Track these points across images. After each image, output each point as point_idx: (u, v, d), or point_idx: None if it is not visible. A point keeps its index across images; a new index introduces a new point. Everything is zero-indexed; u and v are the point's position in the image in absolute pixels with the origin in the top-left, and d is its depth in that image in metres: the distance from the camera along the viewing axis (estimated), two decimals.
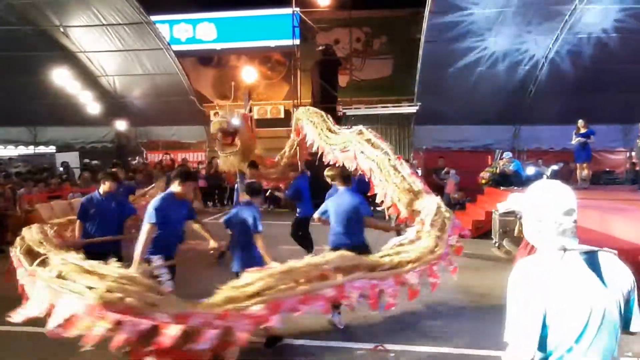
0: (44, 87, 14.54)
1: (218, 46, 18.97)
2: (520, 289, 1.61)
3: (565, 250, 1.60)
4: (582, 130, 10.08)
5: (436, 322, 4.77)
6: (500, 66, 12.98)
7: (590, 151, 10.29)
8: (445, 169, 12.53)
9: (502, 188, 10.28)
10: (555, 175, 7.20)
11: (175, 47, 15.53)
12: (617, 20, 11.42)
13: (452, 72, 12.99)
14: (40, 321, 3.31)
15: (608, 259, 1.63)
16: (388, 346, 4.14)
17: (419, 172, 14.05)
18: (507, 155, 11.39)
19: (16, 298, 4.04)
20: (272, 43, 18.40)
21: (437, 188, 11.68)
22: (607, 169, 13.12)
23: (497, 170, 11.16)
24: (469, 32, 12.07)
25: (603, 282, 1.58)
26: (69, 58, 14.81)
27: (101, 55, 14.93)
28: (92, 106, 15.48)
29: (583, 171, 10.50)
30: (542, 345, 1.58)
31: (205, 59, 19.91)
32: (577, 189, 10.58)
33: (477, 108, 13.56)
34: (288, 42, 16.78)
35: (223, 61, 20.06)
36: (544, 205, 1.64)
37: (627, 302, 1.63)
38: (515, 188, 10.26)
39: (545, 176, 7.63)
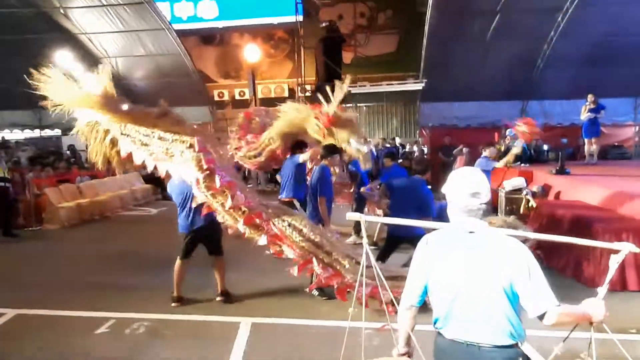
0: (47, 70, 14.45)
1: (220, 24, 18.63)
2: (415, 256, 1.98)
3: (460, 228, 1.86)
4: (592, 106, 9.93)
5: None
6: (508, 40, 12.66)
7: (599, 126, 10.16)
8: (460, 147, 12.26)
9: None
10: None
11: (177, 26, 15.32)
12: None
13: (459, 47, 12.71)
14: None
15: (505, 241, 1.82)
16: (395, 326, 4.18)
17: (425, 150, 13.99)
18: (510, 133, 11.23)
19: None
20: (275, 20, 18.05)
21: (444, 166, 11.63)
22: (616, 144, 12.92)
23: (503, 148, 11.05)
24: (476, 5, 11.78)
25: (492, 260, 1.78)
26: (71, 40, 14.68)
27: (103, 37, 14.77)
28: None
29: (591, 146, 10.39)
30: (435, 309, 1.94)
31: (208, 37, 19.65)
32: (585, 165, 10.39)
33: (484, 84, 13.32)
34: (291, 18, 16.49)
35: (225, 40, 19.80)
36: (453, 188, 1.91)
37: (520, 284, 1.76)
38: (523, 165, 10.20)
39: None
